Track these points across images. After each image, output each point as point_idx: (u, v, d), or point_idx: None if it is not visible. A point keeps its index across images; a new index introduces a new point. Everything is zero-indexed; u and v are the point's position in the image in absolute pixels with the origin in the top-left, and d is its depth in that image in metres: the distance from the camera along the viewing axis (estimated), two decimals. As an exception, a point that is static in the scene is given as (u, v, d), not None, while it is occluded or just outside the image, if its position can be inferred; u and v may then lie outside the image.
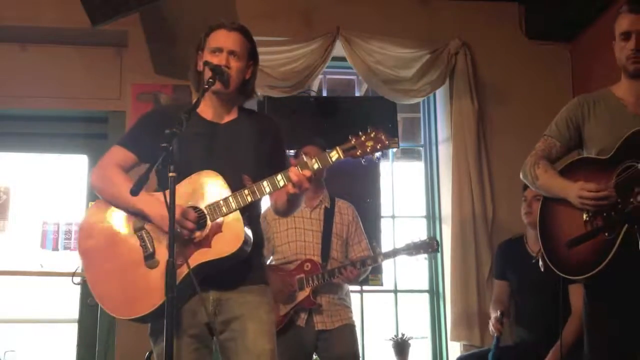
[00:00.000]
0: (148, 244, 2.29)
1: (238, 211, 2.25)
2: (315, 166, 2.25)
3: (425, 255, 3.50)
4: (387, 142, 2.26)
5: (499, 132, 4.54)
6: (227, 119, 2.46)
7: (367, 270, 3.54)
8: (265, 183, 2.26)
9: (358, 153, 2.25)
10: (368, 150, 2.25)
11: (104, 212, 2.38)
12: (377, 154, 2.28)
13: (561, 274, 2.50)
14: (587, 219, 2.45)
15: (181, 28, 4.29)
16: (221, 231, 2.24)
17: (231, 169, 2.30)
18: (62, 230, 4.42)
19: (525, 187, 3.60)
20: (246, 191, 2.25)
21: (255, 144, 2.41)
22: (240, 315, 2.30)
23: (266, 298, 2.39)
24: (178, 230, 2.16)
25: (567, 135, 2.67)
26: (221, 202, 2.24)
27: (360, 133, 2.27)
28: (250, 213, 2.33)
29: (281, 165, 2.37)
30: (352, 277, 3.39)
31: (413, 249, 3.40)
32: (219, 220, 2.25)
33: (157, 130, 2.17)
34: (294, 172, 2.23)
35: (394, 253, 3.48)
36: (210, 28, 2.45)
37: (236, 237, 2.23)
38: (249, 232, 2.28)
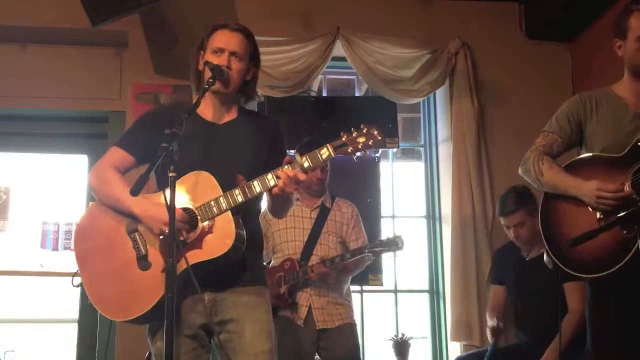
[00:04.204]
0: (141, 246, 2.28)
1: (229, 211, 2.21)
2: (306, 165, 2.18)
3: (391, 253, 3.53)
4: (379, 138, 2.18)
5: (499, 132, 4.54)
6: (226, 119, 2.45)
7: (359, 266, 3.55)
8: (255, 182, 2.21)
9: (349, 150, 2.18)
10: (360, 146, 2.17)
11: (101, 214, 2.38)
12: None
13: (572, 272, 2.46)
14: (601, 216, 2.42)
15: (181, 28, 4.30)
16: (212, 232, 2.22)
17: (226, 170, 2.27)
18: (62, 230, 4.42)
19: (501, 214, 3.69)
20: (237, 191, 2.21)
21: (253, 144, 2.39)
22: (236, 316, 2.29)
23: (263, 298, 2.37)
24: (166, 231, 2.15)
25: (568, 131, 2.65)
26: (212, 202, 2.22)
27: (352, 129, 2.19)
28: (245, 213, 2.31)
29: (280, 166, 2.34)
30: (321, 274, 3.37)
31: (379, 246, 3.40)
32: (210, 221, 2.22)
33: (154, 131, 2.17)
34: (282, 172, 2.18)
35: (360, 251, 3.46)
36: (212, 28, 2.43)
37: (227, 238, 2.19)
38: (243, 233, 2.25)
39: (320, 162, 2.19)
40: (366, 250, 3.43)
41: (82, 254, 2.38)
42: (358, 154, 2.20)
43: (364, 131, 2.18)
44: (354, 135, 2.18)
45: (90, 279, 2.35)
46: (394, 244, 3.39)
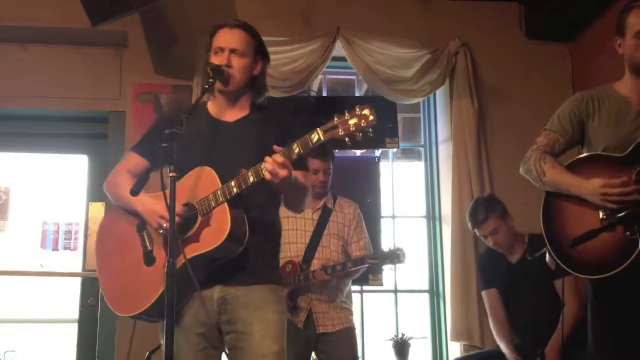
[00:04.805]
0: (147, 243, 2.34)
1: (225, 204, 2.20)
2: (297, 150, 2.13)
3: (391, 266, 3.54)
4: (371, 118, 2.04)
5: (499, 132, 4.54)
6: (236, 116, 2.46)
7: (360, 271, 3.54)
8: (250, 173, 2.18)
9: (340, 133, 2.06)
10: (351, 128, 2.05)
11: (118, 215, 2.46)
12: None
13: (575, 273, 2.46)
14: (605, 216, 2.42)
15: (181, 28, 4.30)
16: (209, 225, 2.23)
17: (231, 166, 2.27)
18: (62, 230, 4.42)
19: (474, 225, 3.72)
20: (232, 182, 2.20)
21: (260, 139, 2.36)
22: (244, 316, 2.28)
23: (274, 297, 2.35)
24: (164, 226, 2.21)
25: (570, 130, 2.65)
26: (210, 196, 2.23)
27: (345, 111, 2.09)
28: (262, 205, 2.31)
29: None
30: (322, 280, 3.37)
31: (380, 258, 3.40)
32: (208, 214, 2.23)
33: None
34: (268, 160, 2.13)
35: (362, 261, 3.45)
36: (213, 28, 2.45)
37: (220, 230, 2.18)
38: (241, 227, 2.22)
39: (310, 146, 2.11)
40: (367, 261, 3.43)
41: (100, 254, 2.49)
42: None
43: (356, 112, 2.07)
44: (345, 117, 2.07)
45: (105, 276, 2.45)
46: (395, 257, 3.39)
